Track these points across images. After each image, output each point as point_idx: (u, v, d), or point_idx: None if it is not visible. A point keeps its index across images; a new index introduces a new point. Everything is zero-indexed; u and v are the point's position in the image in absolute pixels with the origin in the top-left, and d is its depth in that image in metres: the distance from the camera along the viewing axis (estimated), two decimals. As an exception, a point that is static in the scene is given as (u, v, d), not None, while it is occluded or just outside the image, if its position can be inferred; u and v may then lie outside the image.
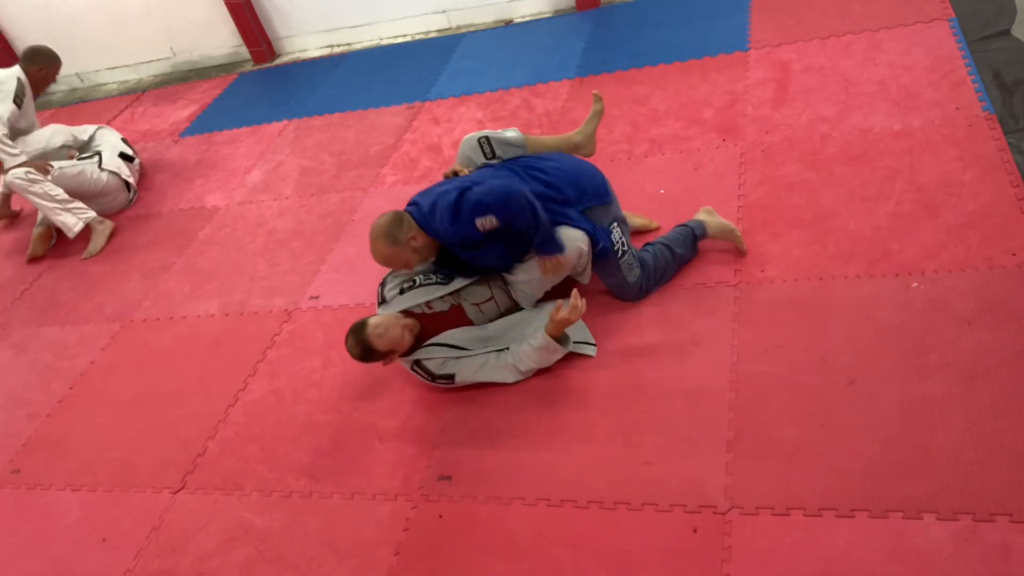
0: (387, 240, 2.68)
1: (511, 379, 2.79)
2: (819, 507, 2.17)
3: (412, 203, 2.79)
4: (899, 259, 2.78)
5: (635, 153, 3.75)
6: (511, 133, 2.91)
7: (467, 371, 2.77)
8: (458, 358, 2.77)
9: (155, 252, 4.32)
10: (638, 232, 3.23)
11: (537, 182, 2.75)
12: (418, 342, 2.79)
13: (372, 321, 2.69)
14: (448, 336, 2.79)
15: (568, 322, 2.62)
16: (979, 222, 2.80)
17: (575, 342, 2.81)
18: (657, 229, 3.23)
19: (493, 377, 2.79)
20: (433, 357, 2.77)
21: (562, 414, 2.67)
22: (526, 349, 2.73)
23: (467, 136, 2.91)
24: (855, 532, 2.09)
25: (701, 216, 3.06)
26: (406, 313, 2.80)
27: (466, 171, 2.85)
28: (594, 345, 2.84)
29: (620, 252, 2.81)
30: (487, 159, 2.89)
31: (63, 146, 4.71)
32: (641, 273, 2.87)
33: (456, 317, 2.83)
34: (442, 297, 2.82)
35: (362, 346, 2.68)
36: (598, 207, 2.81)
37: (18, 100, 4.46)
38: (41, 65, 4.61)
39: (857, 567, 2.02)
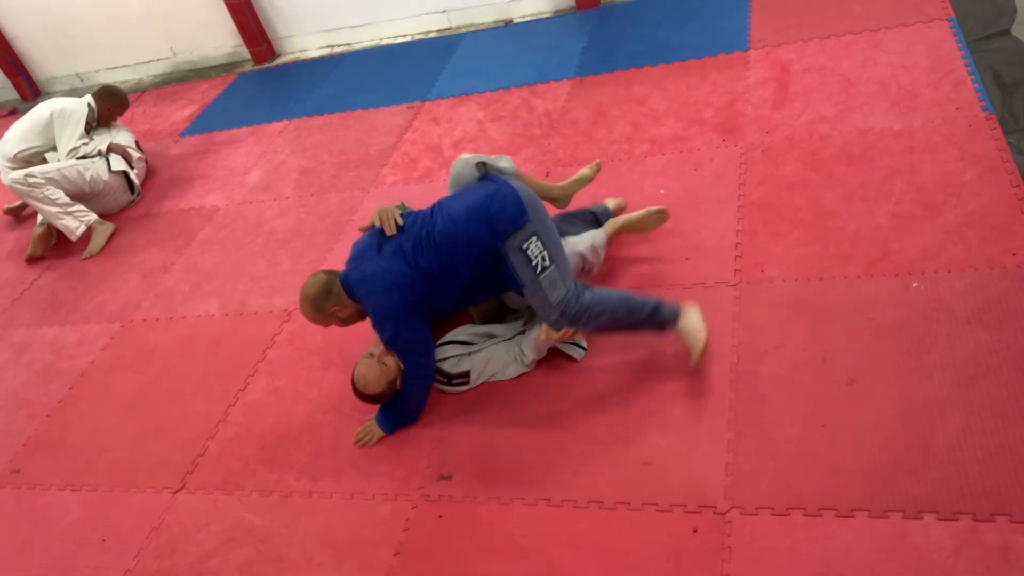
0: (312, 308, 2.70)
1: (517, 372, 2.81)
2: (819, 507, 2.17)
3: (346, 271, 2.71)
4: (899, 259, 2.78)
5: (635, 153, 3.75)
6: (505, 163, 2.80)
7: (479, 366, 2.80)
8: (469, 354, 2.81)
9: (155, 252, 4.32)
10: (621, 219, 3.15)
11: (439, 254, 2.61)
12: None
13: (355, 376, 2.72)
14: (455, 333, 2.84)
15: (552, 340, 2.66)
16: (979, 222, 2.80)
17: (564, 342, 2.82)
18: (625, 207, 3.26)
19: (503, 372, 2.81)
20: (447, 356, 2.80)
21: (562, 414, 2.67)
22: (526, 347, 2.77)
23: (463, 156, 2.80)
24: (855, 532, 2.09)
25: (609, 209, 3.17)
26: None
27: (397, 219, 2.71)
28: (584, 349, 2.84)
29: (539, 267, 2.53)
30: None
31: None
32: (566, 295, 2.55)
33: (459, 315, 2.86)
34: None
35: (363, 397, 2.74)
36: (516, 233, 2.53)
37: (88, 126, 4.63)
38: (112, 104, 4.76)
39: (857, 567, 2.02)
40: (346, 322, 2.77)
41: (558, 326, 2.58)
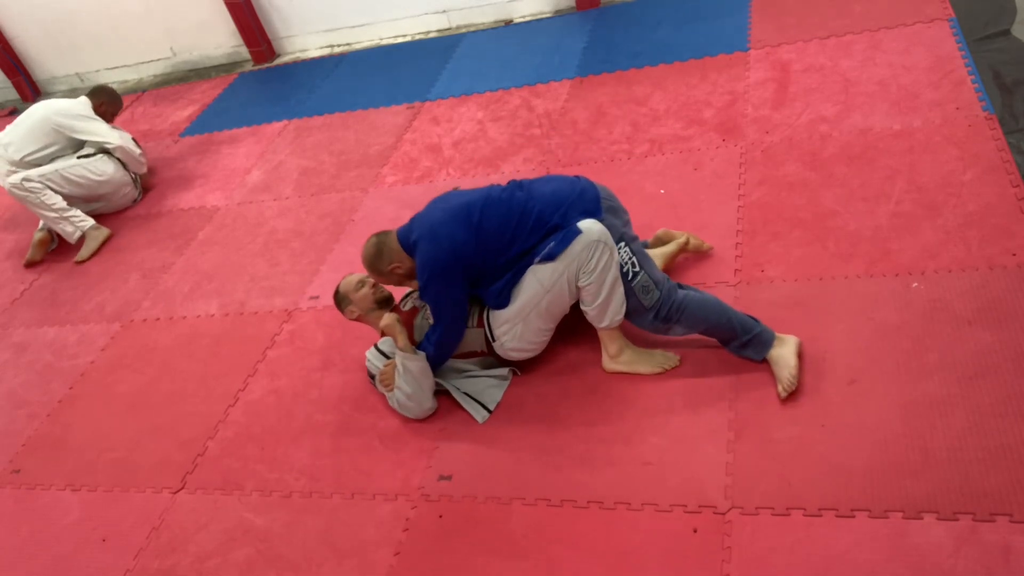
0: (371, 269, 2.78)
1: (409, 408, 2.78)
2: (819, 507, 2.17)
3: (407, 224, 2.74)
4: (899, 259, 2.78)
5: (635, 153, 3.75)
6: None
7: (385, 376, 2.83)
8: (384, 364, 2.85)
9: (155, 252, 4.32)
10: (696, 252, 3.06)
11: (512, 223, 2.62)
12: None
13: (344, 279, 2.98)
14: (384, 342, 2.91)
15: (388, 328, 2.71)
16: (979, 222, 2.80)
17: (471, 397, 2.77)
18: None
19: (401, 387, 2.75)
20: (370, 359, 2.94)
21: (562, 414, 2.67)
22: (400, 371, 2.73)
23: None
24: (855, 532, 2.09)
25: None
26: (395, 308, 2.96)
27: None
28: (488, 413, 2.73)
29: (629, 273, 2.56)
30: None
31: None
32: (660, 297, 2.56)
33: (409, 320, 2.86)
34: (411, 295, 2.95)
35: (337, 285, 2.98)
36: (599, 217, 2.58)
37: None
38: (103, 100, 4.72)
39: (857, 567, 2.02)
40: (406, 278, 2.76)
41: (654, 328, 2.63)
